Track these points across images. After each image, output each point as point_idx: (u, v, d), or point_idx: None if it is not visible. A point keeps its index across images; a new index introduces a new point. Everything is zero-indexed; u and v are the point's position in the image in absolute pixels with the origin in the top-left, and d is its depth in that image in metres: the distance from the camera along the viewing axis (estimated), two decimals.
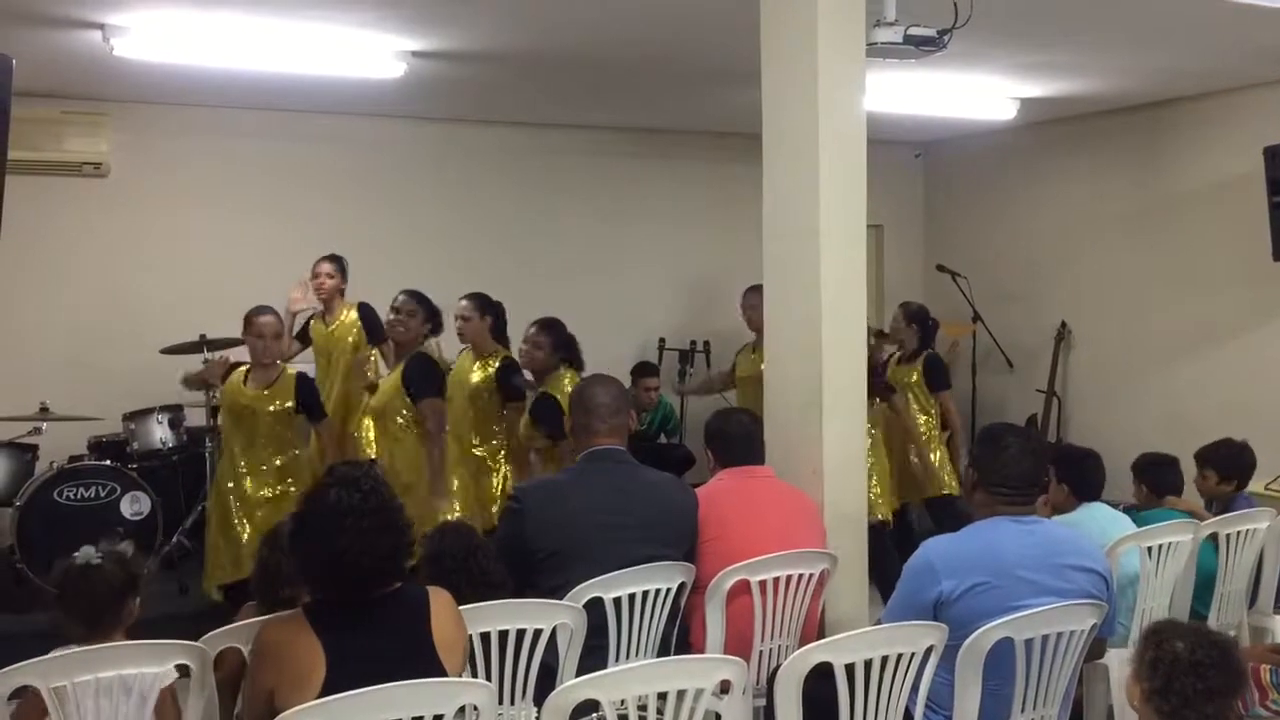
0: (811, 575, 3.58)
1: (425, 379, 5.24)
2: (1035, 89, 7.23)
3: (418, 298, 5.35)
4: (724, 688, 2.72)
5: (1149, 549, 3.93)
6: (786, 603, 3.54)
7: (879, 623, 3.20)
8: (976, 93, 7.34)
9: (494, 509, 5.36)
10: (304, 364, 6.15)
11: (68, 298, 6.98)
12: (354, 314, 6.36)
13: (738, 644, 3.47)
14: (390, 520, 2.58)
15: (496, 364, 5.57)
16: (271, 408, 5.29)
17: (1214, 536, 4.20)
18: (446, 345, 5.94)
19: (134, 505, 5.95)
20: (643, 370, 7.54)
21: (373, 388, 5.58)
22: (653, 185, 8.63)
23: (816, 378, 3.98)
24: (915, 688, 2.96)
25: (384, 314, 5.69)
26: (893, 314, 6.70)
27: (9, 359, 6.72)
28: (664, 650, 3.43)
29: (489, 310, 5.67)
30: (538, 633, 3.05)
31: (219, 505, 5.40)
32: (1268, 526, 4.31)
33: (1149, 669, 2.47)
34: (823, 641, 2.97)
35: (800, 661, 2.82)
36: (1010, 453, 3.15)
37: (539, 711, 2.61)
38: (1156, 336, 7.88)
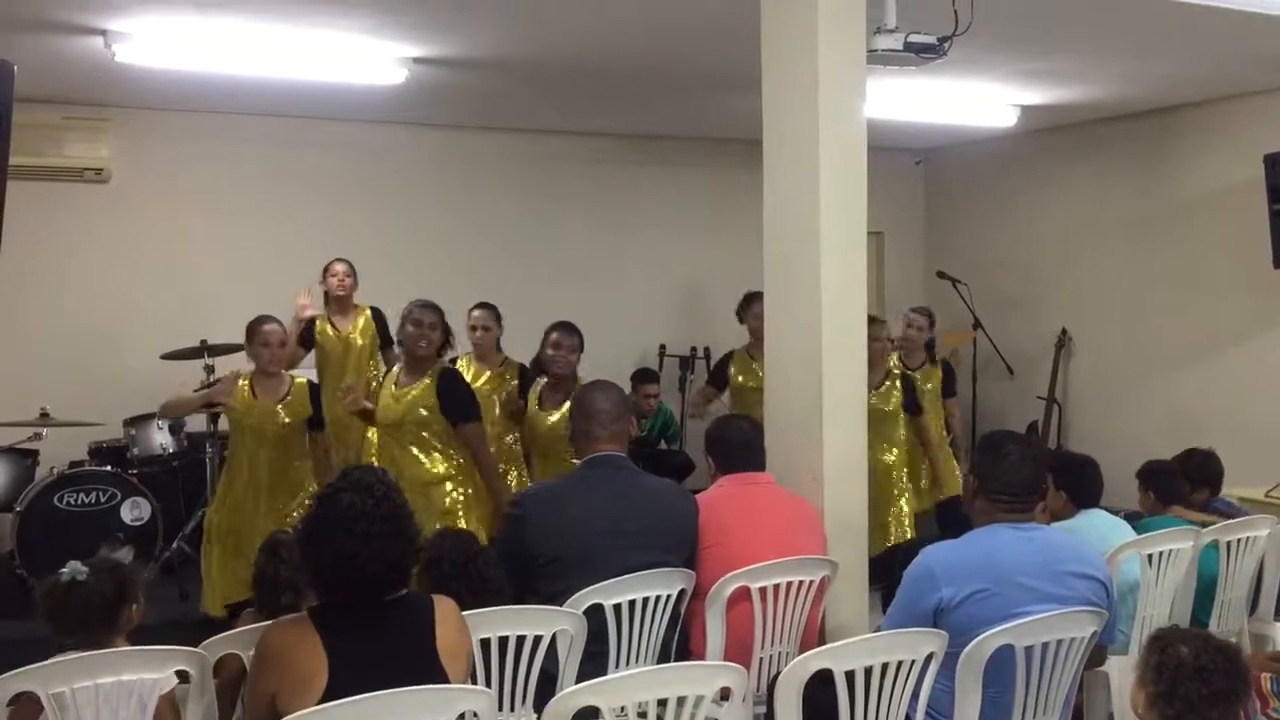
0: (812, 582, 3.58)
1: (468, 402, 4.94)
2: (1036, 96, 7.22)
3: (437, 310, 4.96)
4: (724, 694, 2.71)
5: (1149, 556, 3.92)
6: (787, 609, 3.53)
7: (879, 629, 3.20)
8: (977, 99, 7.34)
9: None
10: (305, 369, 6.15)
11: (69, 303, 6.99)
12: (368, 314, 6.43)
13: (738, 650, 3.46)
14: (401, 527, 2.59)
15: (514, 378, 5.57)
16: (290, 419, 5.15)
17: (1215, 543, 4.20)
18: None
19: (134, 511, 5.94)
20: (643, 377, 7.54)
21: (366, 414, 5.20)
22: (653, 191, 8.63)
23: (817, 383, 3.96)
24: (916, 695, 2.95)
25: (391, 320, 5.70)
26: (905, 318, 6.61)
27: (10, 364, 6.72)
28: (664, 657, 3.43)
29: (500, 320, 5.73)
30: (538, 639, 3.05)
31: (231, 522, 5.15)
32: (1268, 534, 4.31)
33: (1154, 674, 2.47)
34: (823, 648, 2.96)
35: (800, 668, 2.82)
36: (1010, 460, 3.15)
37: (539, 718, 2.61)
38: (1157, 343, 7.87)
